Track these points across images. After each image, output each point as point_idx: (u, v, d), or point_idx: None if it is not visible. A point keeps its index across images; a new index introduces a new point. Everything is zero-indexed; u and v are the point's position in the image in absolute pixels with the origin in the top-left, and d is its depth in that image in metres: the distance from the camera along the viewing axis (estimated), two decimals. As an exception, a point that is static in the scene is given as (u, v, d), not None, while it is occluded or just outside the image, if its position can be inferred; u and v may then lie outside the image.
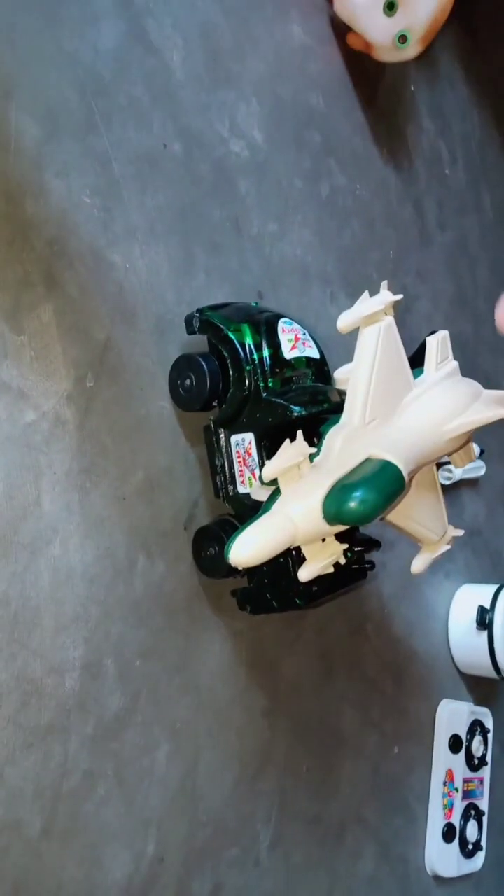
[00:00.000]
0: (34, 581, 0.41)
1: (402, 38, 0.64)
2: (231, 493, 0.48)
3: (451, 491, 0.77)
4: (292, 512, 0.39)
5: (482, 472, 0.78)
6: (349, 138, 0.69)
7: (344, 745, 0.62)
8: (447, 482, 0.75)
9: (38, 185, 0.43)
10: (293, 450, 0.40)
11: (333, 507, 0.37)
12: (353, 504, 0.36)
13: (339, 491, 0.38)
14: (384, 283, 0.43)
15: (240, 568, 0.39)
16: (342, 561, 0.44)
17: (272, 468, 0.40)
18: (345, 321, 0.42)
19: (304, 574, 0.42)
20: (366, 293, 0.43)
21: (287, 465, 0.40)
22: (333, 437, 0.41)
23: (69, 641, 0.42)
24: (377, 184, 0.72)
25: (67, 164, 0.44)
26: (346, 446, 0.40)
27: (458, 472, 0.74)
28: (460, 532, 0.49)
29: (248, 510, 0.47)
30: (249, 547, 0.37)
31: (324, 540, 0.42)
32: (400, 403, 0.43)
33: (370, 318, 0.42)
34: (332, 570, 0.43)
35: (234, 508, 0.48)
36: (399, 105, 0.76)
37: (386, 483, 0.38)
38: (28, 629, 0.40)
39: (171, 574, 0.48)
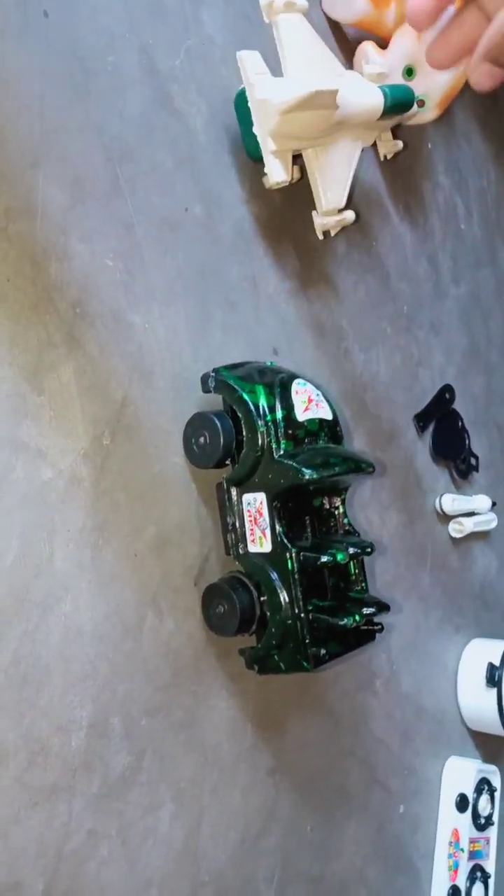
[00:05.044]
0: (44, 640, 0.41)
1: (421, 102, 0.65)
2: (241, 552, 0.48)
3: (463, 543, 0.77)
4: None
5: (494, 524, 0.78)
6: (366, 195, 0.70)
7: (349, 804, 0.61)
8: (458, 535, 0.75)
9: (63, 249, 0.44)
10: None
11: None
12: None
13: None
14: None
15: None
16: None
17: None
18: None
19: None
20: None
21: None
22: None
23: (76, 700, 0.42)
24: (393, 239, 0.73)
25: (92, 230, 0.45)
26: None
27: (469, 525, 0.74)
28: None
29: (258, 569, 0.47)
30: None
31: None
32: None
33: None
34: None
35: (244, 566, 0.48)
36: (416, 162, 0.77)
37: None
38: (36, 688, 0.40)
39: (179, 631, 0.48)
